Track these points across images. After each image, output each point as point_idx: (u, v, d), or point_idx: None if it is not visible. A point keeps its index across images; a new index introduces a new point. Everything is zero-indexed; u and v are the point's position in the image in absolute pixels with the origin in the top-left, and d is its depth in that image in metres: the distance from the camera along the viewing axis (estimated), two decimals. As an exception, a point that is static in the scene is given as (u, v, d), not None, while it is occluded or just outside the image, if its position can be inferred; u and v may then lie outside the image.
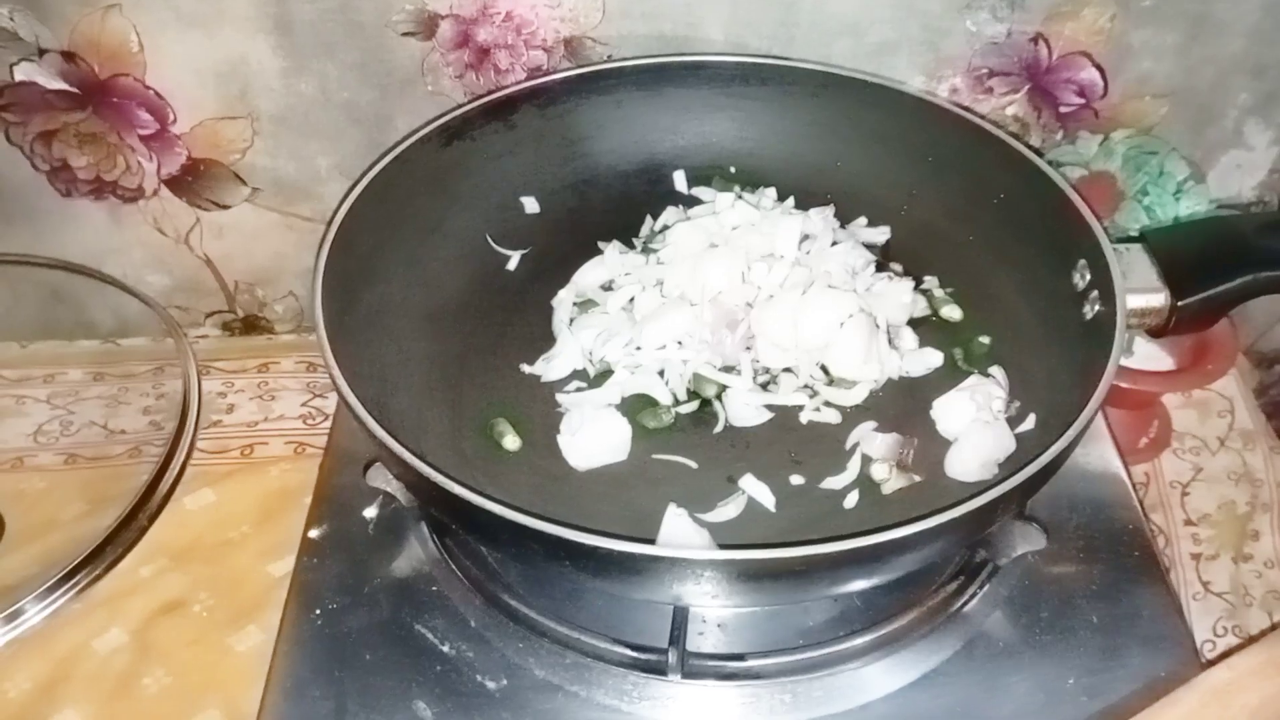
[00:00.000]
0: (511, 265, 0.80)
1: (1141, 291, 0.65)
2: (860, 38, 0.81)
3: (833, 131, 0.81)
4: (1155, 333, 0.66)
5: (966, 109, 0.79)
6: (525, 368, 0.73)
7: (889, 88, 0.79)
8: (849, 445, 0.68)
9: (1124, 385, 0.78)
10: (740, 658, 0.63)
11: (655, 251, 0.76)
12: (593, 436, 0.67)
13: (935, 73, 0.83)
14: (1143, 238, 0.68)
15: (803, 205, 0.79)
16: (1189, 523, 0.82)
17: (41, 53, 0.80)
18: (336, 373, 0.60)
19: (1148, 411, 0.87)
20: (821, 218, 0.76)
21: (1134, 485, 0.73)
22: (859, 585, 0.63)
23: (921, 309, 0.75)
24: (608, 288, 0.76)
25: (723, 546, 0.60)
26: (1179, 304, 0.64)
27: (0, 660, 0.72)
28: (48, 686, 0.72)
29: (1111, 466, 0.73)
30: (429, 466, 0.56)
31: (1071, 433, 0.56)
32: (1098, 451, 0.74)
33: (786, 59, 0.81)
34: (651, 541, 0.56)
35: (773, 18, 0.81)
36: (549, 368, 0.72)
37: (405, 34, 0.80)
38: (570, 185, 0.83)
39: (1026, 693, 0.62)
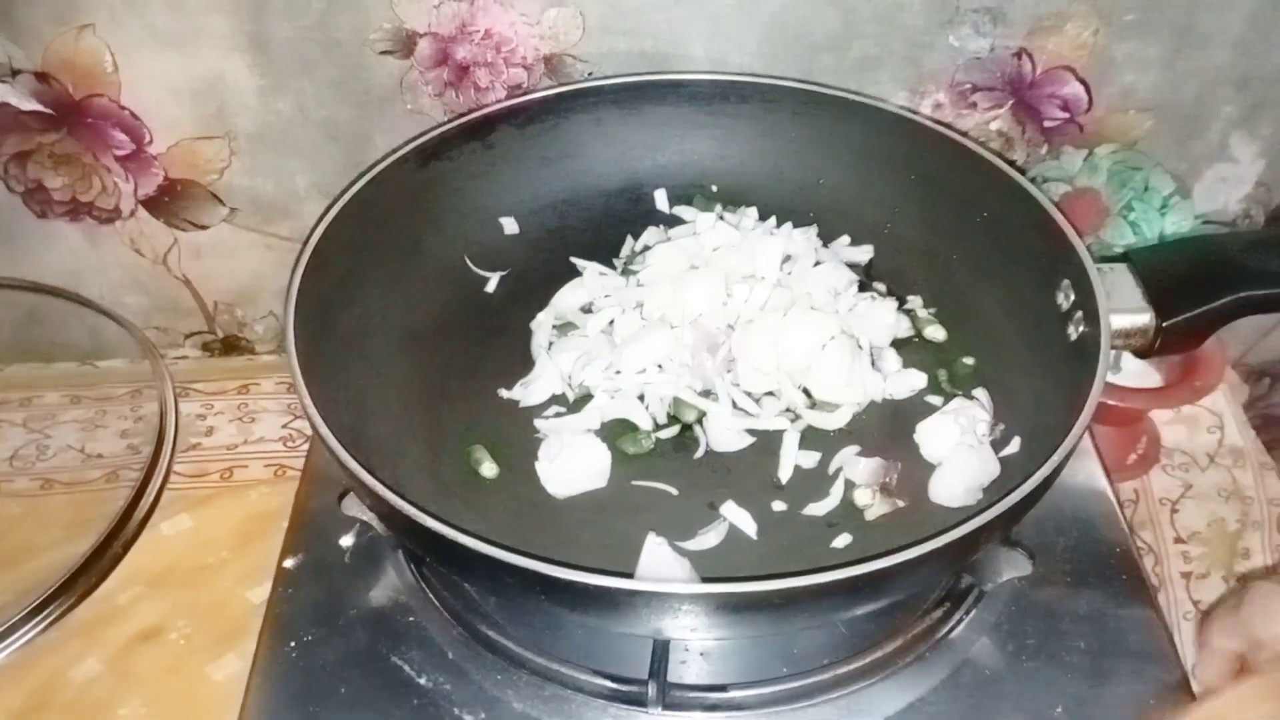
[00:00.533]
0: (490, 287, 0.79)
1: (1126, 312, 0.64)
2: (842, 54, 0.81)
3: (815, 149, 0.80)
4: (1141, 353, 0.66)
5: (949, 126, 0.78)
6: (504, 392, 0.72)
7: (871, 105, 0.78)
8: (831, 470, 0.67)
9: (1112, 402, 0.77)
10: (723, 688, 0.62)
11: (635, 273, 0.75)
12: (571, 463, 0.66)
13: (918, 88, 0.83)
14: (1127, 257, 0.67)
15: (785, 224, 0.78)
16: (1179, 540, 0.81)
17: (14, 73, 0.79)
18: (308, 401, 0.59)
19: (1136, 428, 0.86)
20: (804, 237, 0.75)
21: (1121, 506, 0.72)
22: (842, 616, 0.62)
23: (905, 329, 0.74)
24: (587, 310, 0.75)
25: (704, 577, 0.60)
26: (1164, 324, 0.64)
27: (-26, 691, 0.71)
28: (23, 716, 0.70)
29: (1099, 488, 0.73)
30: (401, 499, 0.55)
31: (1056, 458, 0.55)
32: (1085, 472, 0.73)
33: (768, 76, 0.80)
34: (629, 574, 0.55)
35: (754, 34, 0.80)
36: (527, 392, 0.71)
37: (383, 52, 0.80)
38: (550, 205, 0.82)
39: (1014, 721, 0.61)
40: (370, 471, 0.56)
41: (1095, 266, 0.64)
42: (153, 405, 0.86)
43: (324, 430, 0.58)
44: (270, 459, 0.88)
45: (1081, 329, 0.65)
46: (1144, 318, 0.64)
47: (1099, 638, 0.64)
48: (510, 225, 0.81)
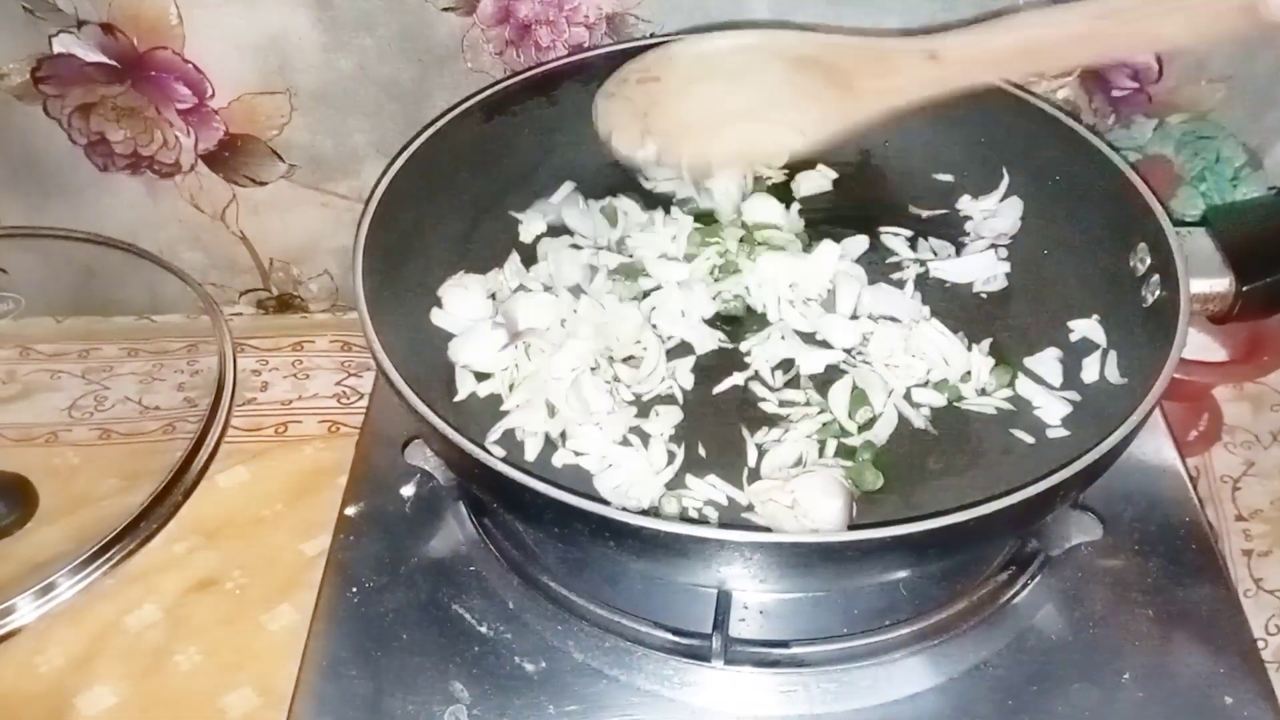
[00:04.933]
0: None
1: (1205, 276, 0.63)
2: (909, 16, 0.79)
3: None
4: (1218, 319, 0.64)
5: (1021, 88, 0.77)
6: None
7: (941, 66, 0.77)
8: None
9: (1176, 376, 0.75)
10: (784, 644, 0.61)
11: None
12: None
13: (985, 54, 0.81)
14: (1205, 220, 0.66)
15: (850, 186, 0.77)
16: (1240, 518, 0.80)
17: (80, 24, 0.80)
18: (377, 347, 0.60)
19: (1198, 404, 0.85)
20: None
21: (1191, 479, 0.71)
22: (910, 571, 0.62)
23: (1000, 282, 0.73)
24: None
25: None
26: (1244, 289, 0.62)
27: (33, 634, 0.72)
28: (80, 661, 0.71)
29: (1168, 459, 0.71)
30: (471, 442, 0.54)
31: (1134, 419, 0.55)
32: (1154, 444, 0.72)
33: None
34: (697, 522, 0.55)
35: (820, -6, 0.79)
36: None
37: (445, 9, 0.79)
38: (613, 163, 0.81)
39: (1080, 687, 0.60)
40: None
41: (1174, 229, 0.63)
42: (209, 360, 0.87)
43: (393, 374, 0.58)
44: (324, 415, 0.88)
45: (1158, 293, 0.64)
46: (1223, 282, 0.63)
47: (1167, 607, 0.63)
48: (568, 186, 0.81)
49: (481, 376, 0.68)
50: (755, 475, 0.62)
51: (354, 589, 0.65)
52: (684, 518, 0.53)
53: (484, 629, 0.63)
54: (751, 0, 0.79)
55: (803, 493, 0.58)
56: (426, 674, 0.61)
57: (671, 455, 0.63)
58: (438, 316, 0.70)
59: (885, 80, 0.66)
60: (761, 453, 0.64)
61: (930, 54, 0.65)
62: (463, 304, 0.70)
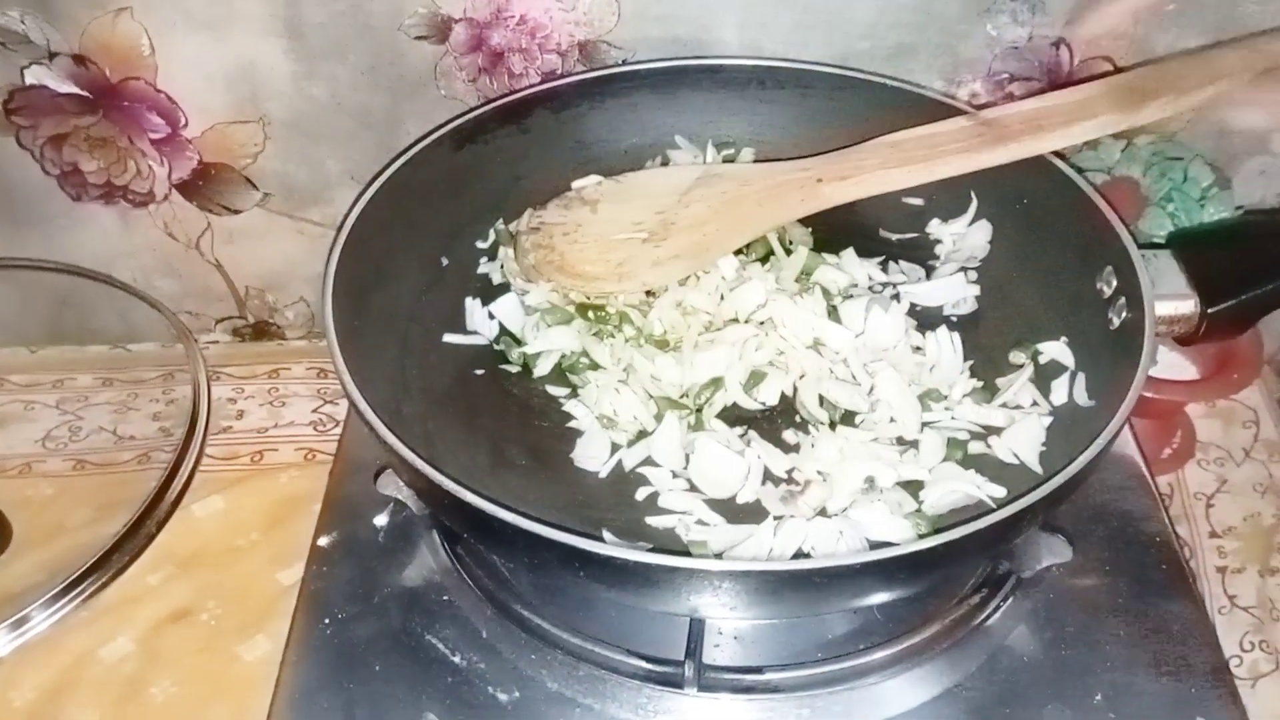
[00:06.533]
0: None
1: (1170, 299, 0.63)
2: (877, 41, 0.80)
3: (851, 135, 0.79)
4: (1184, 341, 0.65)
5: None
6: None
7: (908, 90, 0.78)
8: None
9: (1148, 394, 0.76)
10: (758, 670, 0.62)
11: None
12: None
13: (954, 77, 0.82)
14: (1170, 243, 0.67)
15: (822, 211, 0.77)
16: (1214, 535, 0.81)
17: (52, 56, 0.80)
18: (346, 376, 0.59)
19: (1171, 421, 0.86)
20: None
21: (1160, 496, 0.72)
22: (881, 598, 0.62)
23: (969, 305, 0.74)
24: None
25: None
26: (1209, 311, 0.63)
27: (6, 668, 0.72)
28: (54, 694, 0.71)
29: (1137, 478, 0.72)
30: (439, 473, 0.54)
31: (1100, 442, 0.55)
32: (1123, 463, 0.72)
33: (803, 61, 0.80)
34: (668, 552, 0.55)
35: (788, 21, 0.80)
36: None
37: (418, 38, 0.80)
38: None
39: (1053, 708, 0.60)
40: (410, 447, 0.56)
41: (1139, 253, 0.64)
42: (183, 389, 0.87)
43: (361, 404, 0.58)
44: (300, 443, 0.88)
45: (1124, 315, 0.64)
46: (1188, 304, 0.63)
47: (1139, 626, 0.64)
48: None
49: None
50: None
51: (326, 620, 0.65)
52: (654, 548, 0.53)
53: (457, 659, 0.63)
54: (720, 28, 0.80)
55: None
56: (399, 704, 0.61)
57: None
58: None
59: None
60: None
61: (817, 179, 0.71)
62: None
